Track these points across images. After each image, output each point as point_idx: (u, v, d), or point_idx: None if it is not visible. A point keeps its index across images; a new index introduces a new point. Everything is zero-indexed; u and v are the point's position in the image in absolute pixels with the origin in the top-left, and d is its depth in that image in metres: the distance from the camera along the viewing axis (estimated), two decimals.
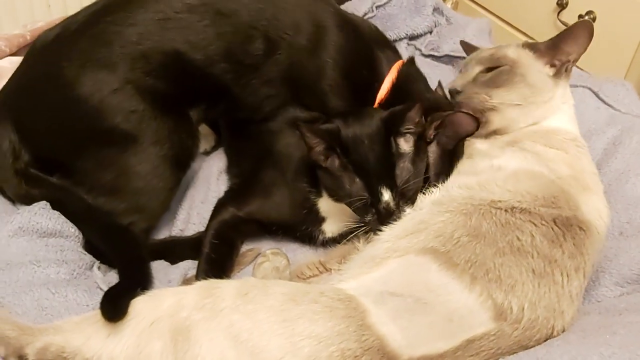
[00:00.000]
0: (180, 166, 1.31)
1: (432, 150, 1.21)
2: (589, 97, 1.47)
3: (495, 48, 1.32)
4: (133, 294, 0.96)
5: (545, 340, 0.96)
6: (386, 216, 1.12)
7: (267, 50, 1.29)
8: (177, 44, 1.24)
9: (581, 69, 1.94)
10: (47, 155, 1.25)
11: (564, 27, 2.06)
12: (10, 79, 1.32)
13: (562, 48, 1.25)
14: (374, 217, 1.14)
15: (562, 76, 1.27)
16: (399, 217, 1.12)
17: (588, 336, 0.92)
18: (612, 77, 1.55)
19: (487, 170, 1.17)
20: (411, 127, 1.15)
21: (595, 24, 1.97)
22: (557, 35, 1.26)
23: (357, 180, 1.13)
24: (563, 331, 0.98)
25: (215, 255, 1.26)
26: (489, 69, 1.28)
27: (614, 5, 1.95)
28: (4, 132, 1.25)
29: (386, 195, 1.12)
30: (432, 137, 1.20)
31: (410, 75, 1.33)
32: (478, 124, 1.16)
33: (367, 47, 1.35)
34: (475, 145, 1.24)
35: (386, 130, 1.14)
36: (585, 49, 1.26)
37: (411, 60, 1.37)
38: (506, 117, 1.24)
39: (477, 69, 1.30)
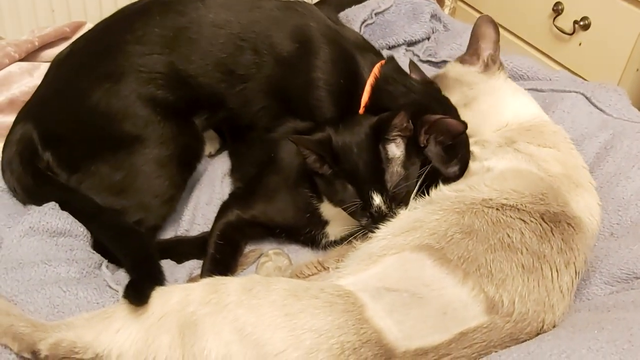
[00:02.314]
0: (185, 166, 1.36)
1: (432, 149, 1.23)
2: (582, 103, 1.49)
3: None
4: (154, 283, 1.01)
5: (536, 334, 0.99)
6: (379, 219, 1.15)
7: (256, 62, 1.34)
8: (173, 57, 1.31)
9: (575, 74, 1.99)
10: (66, 159, 1.31)
11: (559, 33, 2.11)
12: (35, 92, 1.42)
13: (477, 49, 1.37)
14: (368, 220, 1.18)
15: (492, 69, 1.36)
16: (393, 218, 1.15)
17: (577, 332, 0.95)
18: (604, 83, 1.57)
19: (477, 171, 1.22)
20: (397, 133, 1.18)
21: (589, 30, 2.03)
22: (470, 39, 1.38)
23: (349, 186, 1.17)
24: (554, 326, 1.01)
25: (220, 256, 1.29)
26: None
27: (608, 11, 1.98)
28: (26, 136, 1.32)
29: (377, 200, 1.15)
30: (425, 142, 1.22)
31: (388, 76, 1.34)
32: (465, 124, 1.20)
33: (350, 56, 1.38)
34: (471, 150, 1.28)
35: (375, 137, 1.18)
36: (497, 38, 1.37)
37: (390, 60, 1.39)
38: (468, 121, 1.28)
39: None
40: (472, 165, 1.26)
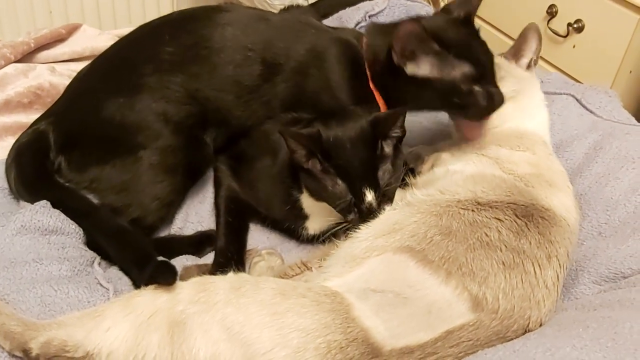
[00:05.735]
0: (189, 176, 1.41)
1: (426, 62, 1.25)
2: (573, 104, 1.50)
3: None
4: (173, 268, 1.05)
5: (522, 332, 1.00)
6: (368, 215, 1.16)
7: (265, 72, 1.37)
8: (183, 74, 1.36)
9: (570, 76, 2.00)
10: (76, 163, 1.35)
11: (553, 35, 2.12)
12: (54, 103, 1.48)
13: (520, 50, 1.41)
14: (356, 216, 1.18)
15: (533, 71, 1.40)
16: (379, 214, 1.16)
17: (563, 330, 0.96)
18: (595, 85, 1.58)
19: (443, 176, 1.24)
20: (398, 131, 1.20)
21: (583, 33, 2.04)
22: (515, 41, 1.42)
23: (340, 182, 1.18)
24: (540, 323, 1.02)
25: (232, 220, 1.35)
26: None
27: (602, 14, 1.98)
28: (42, 135, 1.36)
29: (369, 196, 1.16)
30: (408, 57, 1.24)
31: (371, 52, 1.35)
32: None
33: (354, 50, 1.39)
34: (442, 156, 1.32)
35: (372, 134, 1.18)
36: (539, 45, 1.41)
37: (367, 32, 1.40)
38: (501, 113, 1.31)
39: None
40: (437, 170, 1.29)
